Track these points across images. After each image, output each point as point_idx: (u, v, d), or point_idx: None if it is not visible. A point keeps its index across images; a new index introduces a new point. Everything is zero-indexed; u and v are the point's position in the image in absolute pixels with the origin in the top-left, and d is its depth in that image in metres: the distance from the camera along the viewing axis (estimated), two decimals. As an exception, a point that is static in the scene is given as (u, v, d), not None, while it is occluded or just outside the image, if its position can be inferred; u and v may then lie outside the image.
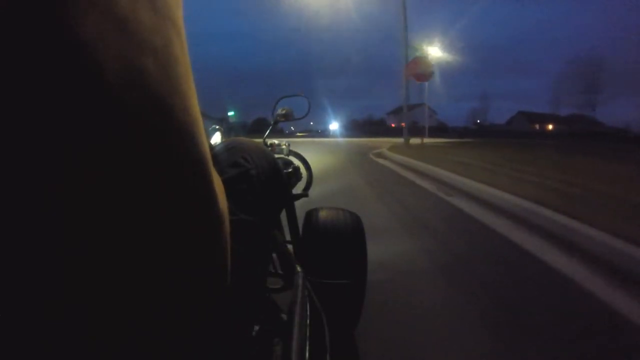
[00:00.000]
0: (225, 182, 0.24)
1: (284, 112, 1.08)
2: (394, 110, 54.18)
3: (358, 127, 46.31)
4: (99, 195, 0.13)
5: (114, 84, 0.12)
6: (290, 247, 0.88)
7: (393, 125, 48.36)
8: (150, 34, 0.14)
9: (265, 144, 1.03)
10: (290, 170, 0.96)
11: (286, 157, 1.03)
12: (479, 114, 51.88)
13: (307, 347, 0.35)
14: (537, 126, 44.89)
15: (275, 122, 1.09)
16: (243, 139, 0.48)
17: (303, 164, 1.11)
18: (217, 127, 0.93)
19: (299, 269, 0.55)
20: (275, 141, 1.07)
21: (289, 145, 1.06)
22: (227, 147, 0.44)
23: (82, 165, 0.12)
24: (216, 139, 0.92)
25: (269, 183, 0.42)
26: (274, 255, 0.63)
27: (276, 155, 0.97)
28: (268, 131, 1.10)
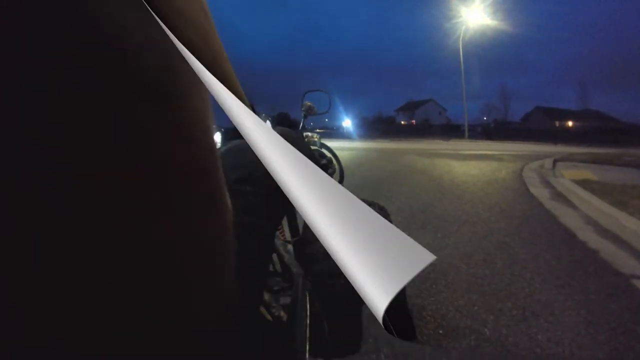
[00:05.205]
0: (230, 184, 0.24)
1: (307, 106, 1.18)
2: (404, 107, 51.51)
3: (368, 125, 43.93)
4: (100, 190, 0.13)
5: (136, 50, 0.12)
6: (290, 247, 0.88)
7: (404, 122, 46.33)
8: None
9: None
10: (324, 162, 1.04)
11: (319, 149, 1.13)
12: (494, 111, 49.62)
13: (307, 347, 0.35)
14: (557, 123, 39.94)
15: (305, 116, 1.19)
16: None
17: (334, 158, 1.22)
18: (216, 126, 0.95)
19: (299, 269, 0.55)
20: (308, 134, 1.18)
21: (320, 138, 1.17)
22: (233, 148, 0.44)
23: (83, 164, 0.12)
24: (216, 139, 0.93)
25: (275, 185, 0.42)
26: (274, 255, 0.63)
27: (312, 147, 1.08)
28: (302, 124, 1.21)
